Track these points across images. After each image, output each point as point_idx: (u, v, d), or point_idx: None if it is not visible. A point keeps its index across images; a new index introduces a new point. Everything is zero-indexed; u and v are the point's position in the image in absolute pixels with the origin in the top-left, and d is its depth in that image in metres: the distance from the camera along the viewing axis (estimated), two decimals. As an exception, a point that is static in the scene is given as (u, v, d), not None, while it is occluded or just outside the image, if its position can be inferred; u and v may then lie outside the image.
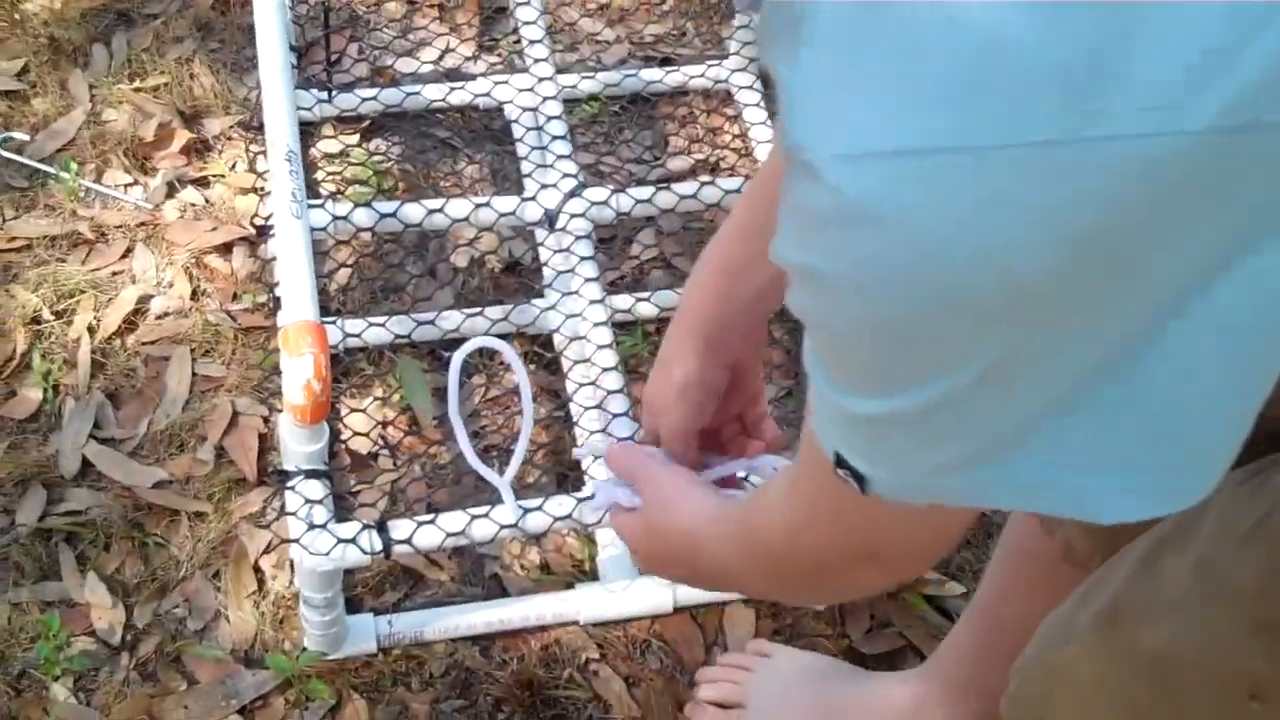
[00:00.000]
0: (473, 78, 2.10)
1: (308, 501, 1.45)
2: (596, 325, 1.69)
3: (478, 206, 1.73)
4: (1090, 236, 0.59)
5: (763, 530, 0.94)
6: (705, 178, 1.82)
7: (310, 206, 1.68)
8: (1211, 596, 0.89)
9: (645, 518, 1.11)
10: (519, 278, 1.94)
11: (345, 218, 1.71)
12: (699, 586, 1.18)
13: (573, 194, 1.74)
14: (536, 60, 1.91)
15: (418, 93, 2.04)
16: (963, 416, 0.67)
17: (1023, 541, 1.32)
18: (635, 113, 2.13)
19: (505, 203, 1.74)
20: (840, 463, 0.74)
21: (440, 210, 1.72)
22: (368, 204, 1.72)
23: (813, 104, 0.61)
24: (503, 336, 1.85)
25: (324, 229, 1.70)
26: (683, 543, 1.08)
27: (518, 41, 2.17)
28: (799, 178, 0.62)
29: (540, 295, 1.86)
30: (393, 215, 1.72)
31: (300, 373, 1.41)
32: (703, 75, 2.12)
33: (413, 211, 1.73)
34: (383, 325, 1.80)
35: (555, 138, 1.81)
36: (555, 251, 1.80)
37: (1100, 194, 0.58)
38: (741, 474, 1.19)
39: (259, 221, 1.81)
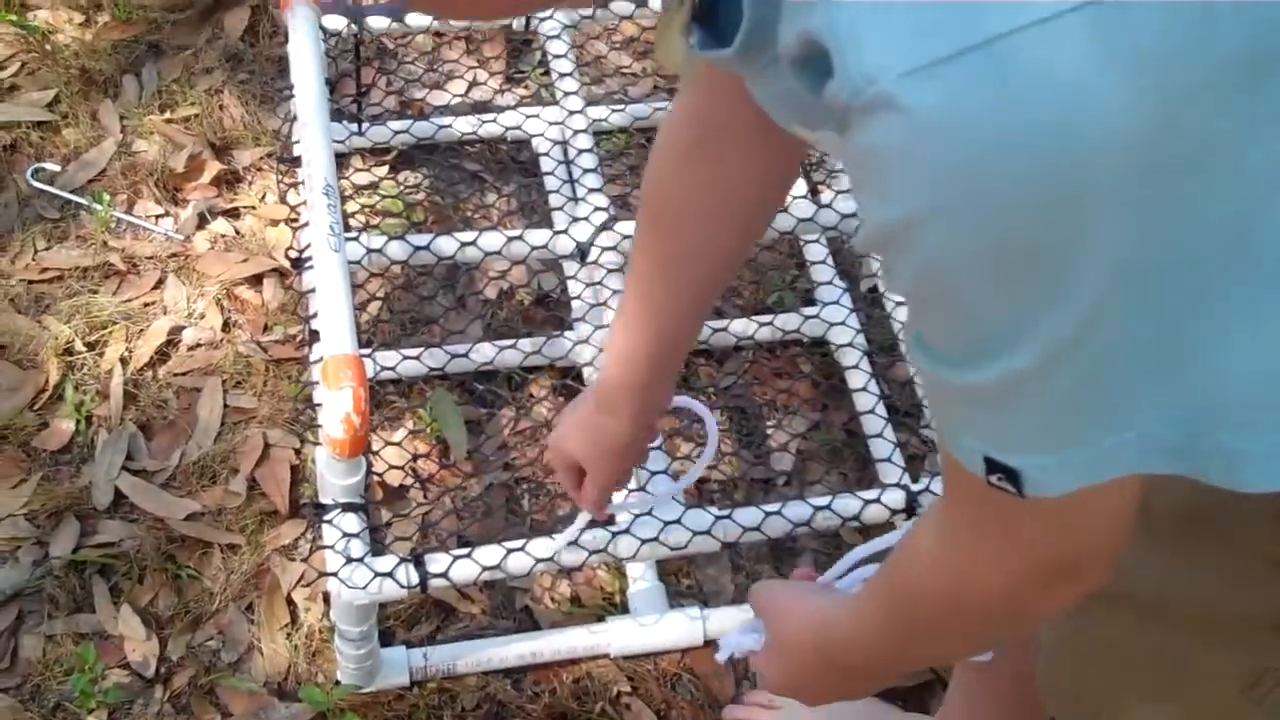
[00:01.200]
0: (501, 110, 2.11)
1: (345, 535, 1.46)
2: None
3: (510, 239, 1.74)
4: (1187, 83, 0.58)
5: (919, 588, 0.86)
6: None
7: (346, 239, 1.69)
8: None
9: (771, 641, 1.07)
10: (549, 310, 1.94)
11: (380, 250, 1.72)
12: (862, 689, 1.06)
13: (605, 226, 1.74)
14: (566, 93, 1.92)
15: (447, 125, 2.05)
16: (1097, 356, 0.65)
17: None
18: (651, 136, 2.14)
19: (537, 235, 1.75)
20: (991, 468, 0.71)
21: (473, 243, 1.73)
22: (401, 237, 1.73)
23: (865, 36, 0.60)
24: (533, 370, 1.86)
25: (358, 262, 1.71)
26: (814, 643, 1.02)
27: (546, 74, 2.18)
28: (866, 121, 0.61)
29: (570, 328, 1.87)
30: (426, 248, 1.73)
31: (340, 406, 1.41)
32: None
33: (446, 244, 1.73)
34: (416, 358, 1.80)
35: (586, 171, 1.82)
36: (587, 285, 1.81)
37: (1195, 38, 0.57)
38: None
39: (293, 254, 1.82)
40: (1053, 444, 0.69)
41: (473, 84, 2.20)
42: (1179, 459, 0.71)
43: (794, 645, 1.04)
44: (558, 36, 1.94)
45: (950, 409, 0.73)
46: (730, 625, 1.61)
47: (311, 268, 1.61)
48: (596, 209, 1.75)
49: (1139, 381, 0.68)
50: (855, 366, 1.83)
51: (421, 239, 1.74)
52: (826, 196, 1.90)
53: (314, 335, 1.60)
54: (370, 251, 1.72)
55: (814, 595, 1.05)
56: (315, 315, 1.57)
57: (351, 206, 2.02)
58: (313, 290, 1.64)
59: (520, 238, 1.75)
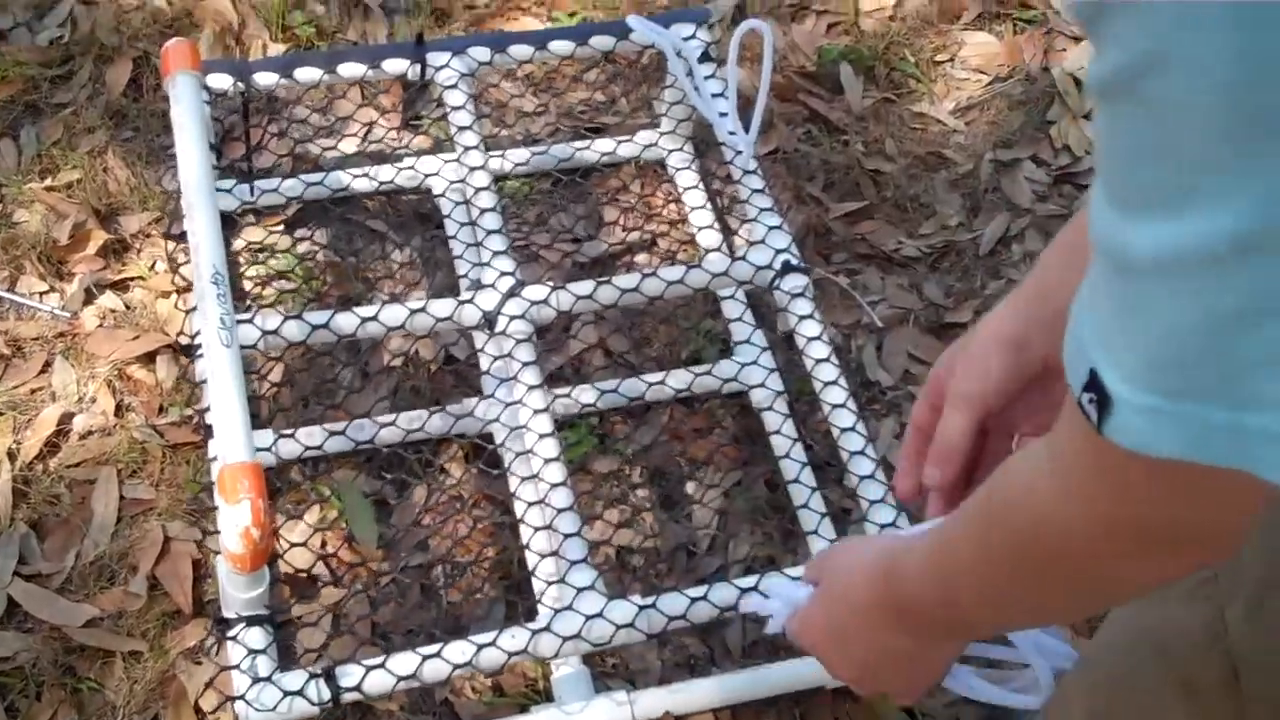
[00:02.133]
0: (399, 159, 2.03)
1: (251, 652, 1.38)
2: (542, 437, 1.62)
3: (413, 312, 1.67)
4: None
5: (1009, 505, 0.74)
6: (646, 269, 1.76)
7: (239, 321, 1.60)
8: None
9: (821, 591, 0.96)
10: (457, 373, 1.87)
11: (276, 332, 1.64)
12: (921, 655, 0.93)
13: (511, 294, 1.67)
14: (466, 148, 1.83)
15: (344, 182, 1.97)
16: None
17: None
18: (568, 186, 2.08)
19: (441, 306, 1.68)
20: (1090, 384, 0.59)
21: (374, 318, 1.66)
22: (298, 316, 1.65)
23: None
24: (445, 441, 1.80)
25: (253, 346, 1.63)
26: (868, 592, 0.90)
27: (445, 119, 2.10)
28: None
29: (479, 392, 1.81)
30: (325, 326, 1.65)
31: (238, 520, 1.34)
32: (633, 144, 2.07)
33: (345, 322, 1.65)
34: (320, 441, 1.73)
35: (490, 232, 1.74)
36: (495, 358, 1.74)
37: None
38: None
39: (184, 340, 1.73)
40: (1170, 385, 0.56)
41: (369, 135, 2.11)
42: None
43: (841, 577, 0.94)
44: (455, 86, 1.86)
45: (1091, 288, 0.60)
46: (659, 705, 1.56)
47: (203, 357, 1.53)
48: (502, 274, 1.68)
49: None
50: (778, 421, 1.78)
51: (320, 316, 1.66)
52: (740, 248, 1.84)
53: (209, 430, 1.52)
54: (266, 334, 1.63)
55: (880, 540, 0.95)
56: (209, 410, 1.49)
57: (248, 272, 1.94)
58: (205, 382, 1.56)
59: (424, 309, 1.67)
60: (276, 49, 2.18)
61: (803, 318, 1.69)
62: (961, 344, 0.99)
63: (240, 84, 1.82)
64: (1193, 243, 0.52)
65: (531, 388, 1.60)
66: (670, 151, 2.06)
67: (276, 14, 2.20)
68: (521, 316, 1.65)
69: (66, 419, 1.79)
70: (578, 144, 2.06)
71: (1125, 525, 0.65)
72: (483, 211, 1.77)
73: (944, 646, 0.94)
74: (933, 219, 2.12)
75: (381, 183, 1.98)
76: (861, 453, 1.61)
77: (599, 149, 2.06)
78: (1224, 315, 0.53)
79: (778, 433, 1.77)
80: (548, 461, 1.58)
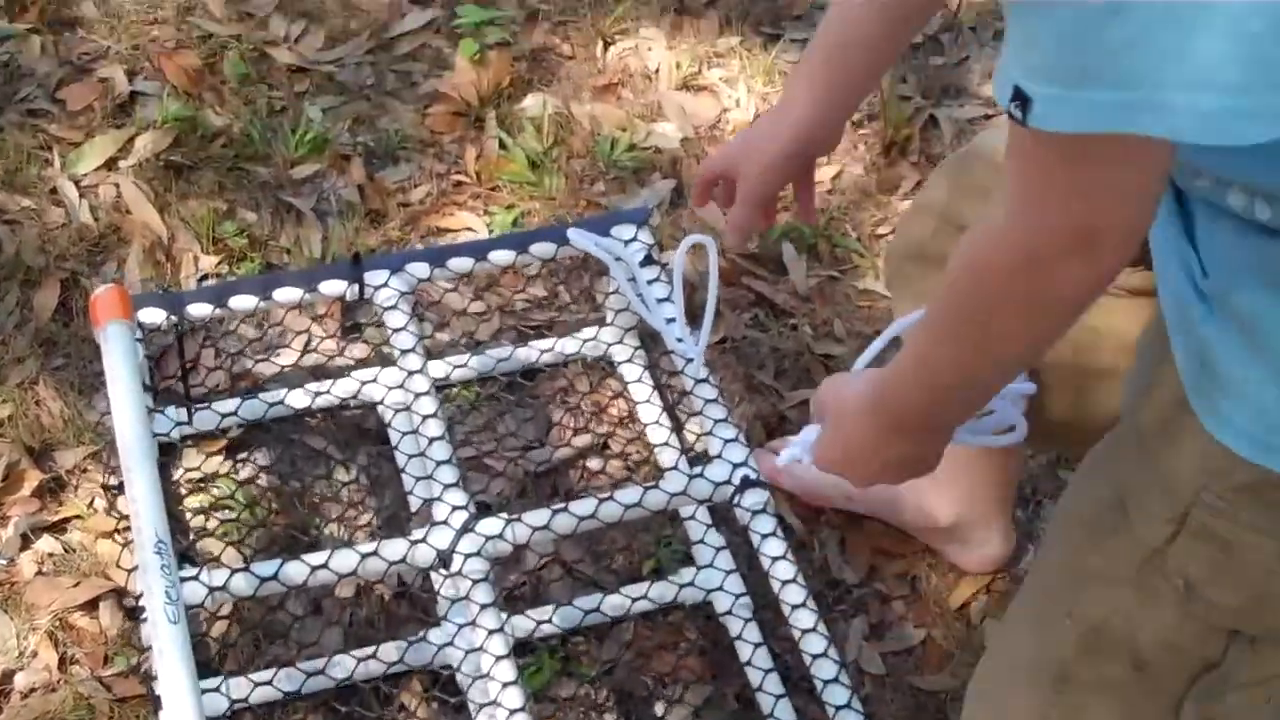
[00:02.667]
0: (339, 373, 1.99)
1: None
2: (499, 659, 1.55)
3: (365, 557, 1.61)
4: None
5: (969, 264, 0.98)
6: (602, 493, 1.71)
7: (183, 580, 1.54)
8: None
9: (828, 422, 1.21)
10: (411, 603, 1.82)
11: (223, 587, 1.58)
12: (914, 450, 1.17)
13: (465, 529, 1.62)
14: (410, 372, 1.78)
15: (282, 400, 1.92)
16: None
17: None
18: (513, 389, 2.03)
19: (393, 548, 1.62)
20: (1015, 96, 0.81)
21: (325, 565, 1.60)
22: (245, 568, 1.59)
23: None
24: (399, 676, 1.74)
25: (201, 605, 1.56)
26: (868, 403, 1.14)
27: (382, 325, 2.06)
28: None
29: (434, 616, 1.75)
30: (274, 578, 1.59)
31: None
32: (577, 340, 2.03)
33: (295, 571, 1.59)
34: (269, 682, 1.66)
35: (439, 463, 1.67)
36: (452, 601, 1.68)
37: None
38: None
39: (129, 601, 1.66)
40: (1065, 79, 0.79)
41: (307, 347, 2.05)
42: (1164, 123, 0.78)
43: (847, 415, 1.17)
44: (394, 306, 1.81)
45: (1010, 39, 0.82)
46: None
47: (147, 620, 1.47)
48: (455, 508, 1.63)
49: (1156, 41, 0.76)
50: (739, 626, 1.74)
51: (268, 567, 1.59)
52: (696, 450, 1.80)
53: (157, 701, 1.44)
54: (213, 590, 1.57)
55: (862, 375, 1.19)
56: (157, 678, 1.43)
57: (189, 502, 1.88)
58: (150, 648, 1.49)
59: (376, 553, 1.61)
60: (208, 261, 2.13)
61: (765, 535, 1.65)
62: (741, 146, 1.38)
63: (173, 317, 1.77)
64: None
65: (491, 632, 1.55)
66: (613, 346, 2.02)
67: (207, 226, 2.16)
68: (477, 554, 1.60)
69: (7, 677, 1.72)
70: (519, 345, 2.02)
71: (1054, 228, 0.89)
72: (430, 440, 1.71)
73: (937, 440, 1.17)
74: (886, 402, 2.09)
75: (319, 396, 1.93)
76: (824, 655, 1.58)
77: (541, 348, 2.02)
78: (1089, 14, 0.76)
79: (739, 638, 1.73)
80: (506, 686, 1.52)
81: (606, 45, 2.52)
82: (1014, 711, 1.22)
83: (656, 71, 2.48)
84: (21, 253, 2.12)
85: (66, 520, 1.87)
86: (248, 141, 2.29)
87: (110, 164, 2.25)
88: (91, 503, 1.88)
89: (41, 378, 2.00)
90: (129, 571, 1.70)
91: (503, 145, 2.33)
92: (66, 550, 1.84)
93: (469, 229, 2.23)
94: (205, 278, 2.12)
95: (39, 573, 1.81)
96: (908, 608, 1.90)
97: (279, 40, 2.46)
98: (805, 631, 1.60)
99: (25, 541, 1.84)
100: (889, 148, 2.38)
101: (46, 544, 1.84)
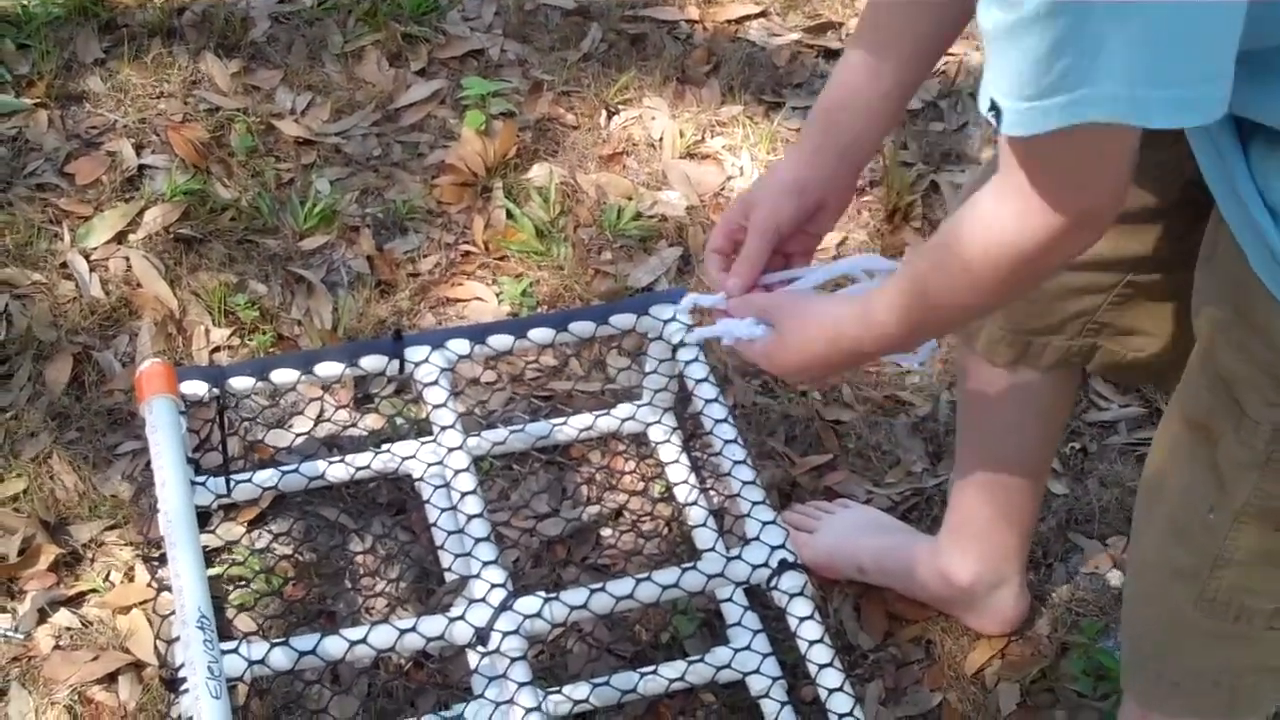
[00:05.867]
0: (368, 445, 1.99)
1: None
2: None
3: (403, 633, 1.61)
4: None
5: (967, 239, 1.13)
6: (640, 574, 1.71)
7: (224, 652, 1.53)
8: None
9: (782, 335, 1.35)
10: (431, 671, 1.81)
11: (263, 661, 1.57)
12: (841, 365, 1.38)
13: (503, 607, 1.62)
14: (449, 448, 1.77)
15: (321, 475, 1.92)
16: (1052, 36, 0.92)
17: (969, 408, 1.74)
18: (548, 465, 2.04)
19: (431, 624, 1.62)
20: (992, 108, 0.99)
21: (363, 640, 1.59)
22: (284, 642, 1.58)
23: None
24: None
25: (240, 678, 1.55)
26: (828, 334, 1.31)
27: (398, 393, 2.07)
28: None
29: (458, 688, 1.74)
30: (312, 653, 1.58)
31: None
32: (619, 425, 2.04)
33: (334, 646, 1.59)
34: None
35: (477, 540, 1.67)
36: (489, 679, 1.68)
37: None
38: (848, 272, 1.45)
39: (166, 673, 1.65)
40: (1026, 93, 0.96)
41: (320, 417, 2.06)
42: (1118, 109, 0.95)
43: (806, 335, 1.33)
44: (435, 382, 1.81)
45: (987, 62, 0.99)
46: None
47: (187, 693, 1.47)
48: (493, 586, 1.63)
49: (1096, 50, 0.92)
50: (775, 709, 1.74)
51: (306, 641, 1.59)
52: (735, 547, 1.80)
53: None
54: (252, 663, 1.56)
55: (823, 297, 1.36)
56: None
57: (222, 571, 1.87)
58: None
59: (414, 629, 1.61)
60: (220, 334, 2.14)
61: (803, 619, 1.65)
62: (753, 189, 1.42)
63: (215, 390, 1.78)
64: (1016, 16, 0.93)
65: (528, 710, 1.54)
66: (651, 426, 2.04)
67: (218, 299, 2.16)
68: (515, 632, 1.60)
69: (27, 755, 1.70)
70: (555, 420, 2.03)
71: (1048, 220, 1.06)
72: (469, 518, 1.70)
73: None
74: (897, 467, 2.10)
75: (359, 470, 1.93)
76: (849, 714, 1.58)
77: (579, 425, 2.03)
78: (1040, 52, 0.93)
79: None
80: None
81: (610, 115, 2.54)
82: (1180, 612, 1.32)
83: (660, 140, 2.51)
84: (33, 327, 2.12)
85: (83, 594, 1.86)
86: (256, 214, 2.30)
87: (120, 237, 2.25)
88: (108, 576, 1.87)
89: (55, 451, 1.99)
90: (169, 643, 1.69)
91: (510, 215, 2.35)
92: (84, 624, 1.83)
93: (478, 298, 2.24)
94: (217, 350, 2.13)
95: (56, 647, 1.80)
96: (923, 672, 1.90)
97: (285, 113, 2.48)
98: (841, 717, 1.60)
99: (42, 616, 1.83)
100: (892, 214, 2.40)
101: (64, 618, 1.83)
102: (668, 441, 2.03)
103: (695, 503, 1.96)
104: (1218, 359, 1.22)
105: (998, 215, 1.09)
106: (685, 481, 1.99)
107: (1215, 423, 1.23)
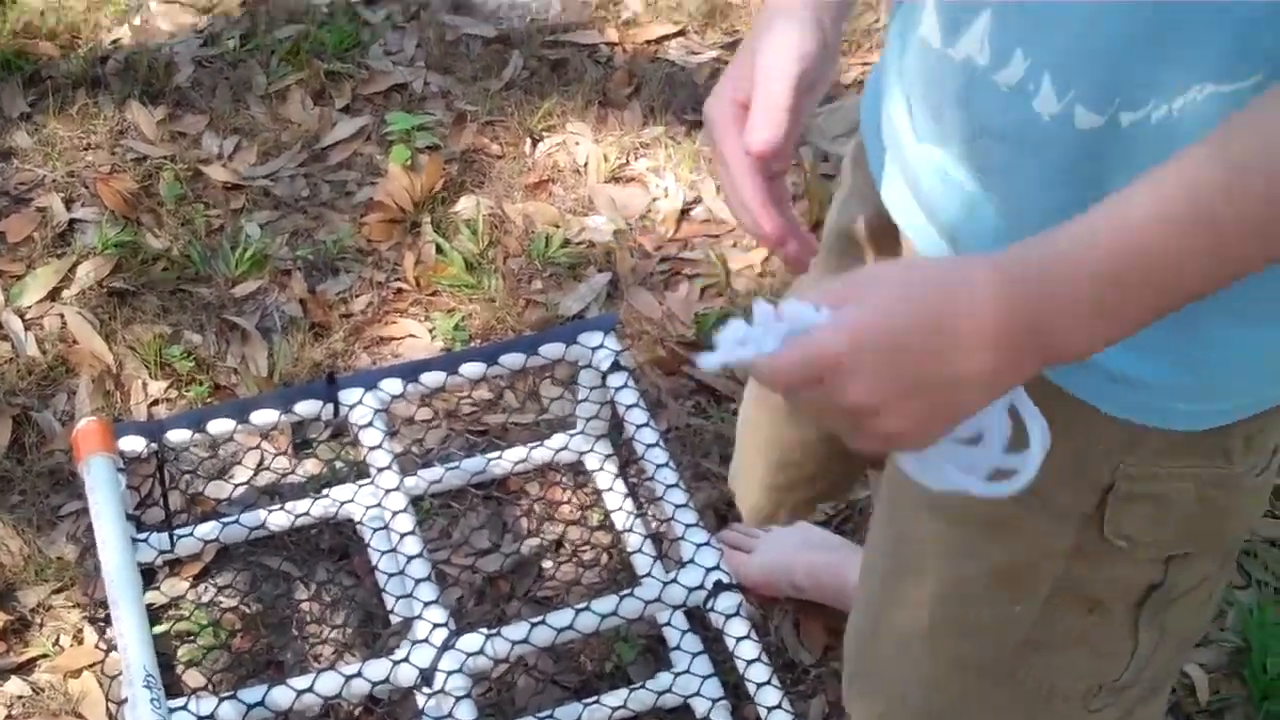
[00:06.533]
0: (307, 492, 2.02)
1: None
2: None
3: (349, 679, 1.64)
4: None
5: None
6: (580, 604, 1.75)
7: (172, 711, 1.57)
8: None
9: (877, 306, 0.83)
10: (388, 711, 1.85)
11: (211, 716, 1.60)
12: (940, 393, 0.84)
13: (446, 647, 1.66)
14: (386, 490, 1.81)
15: (263, 524, 1.95)
16: None
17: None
18: (485, 500, 2.08)
19: (376, 668, 1.65)
20: None
21: (310, 689, 1.63)
22: (233, 695, 1.62)
23: None
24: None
25: (191, 735, 1.59)
26: (998, 257, 0.82)
27: (336, 436, 2.11)
28: None
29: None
30: (260, 704, 1.62)
31: None
32: (554, 455, 2.08)
33: (281, 696, 1.63)
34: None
35: (417, 580, 1.71)
36: (436, 719, 1.72)
37: None
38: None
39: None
40: None
41: (261, 465, 2.09)
42: None
43: (926, 285, 0.83)
44: (370, 424, 1.84)
45: None
46: None
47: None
48: (435, 626, 1.67)
49: None
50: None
51: (254, 694, 1.63)
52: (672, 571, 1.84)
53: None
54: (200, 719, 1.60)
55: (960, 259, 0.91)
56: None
57: (168, 628, 1.90)
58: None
59: (359, 674, 1.65)
60: (157, 387, 2.16)
61: (740, 639, 1.70)
62: (738, 67, 1.02)
63: (153, 444, 1.81)
64: None
65: (475, 749, 1.58)
66: (585, 454, 2.08)
67: (153, 351, 2.19)
68: (459, 670, 1.64)
69: (-15, 824, 1.73)
70: (491, 455, 2.07)
71: None
72: (409, 558, 1.74)
73: (1026, 366, 0.84)
74: (830, 480, 2.14)
75: (299, 517, 1.96)
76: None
77: (513, 458, 2.07)
78: None
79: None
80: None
81: (535, 142, 2.57)
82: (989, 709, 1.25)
83: (585, 165, 2.54)
84: (-28, 392, 2.14)
85: (33, 660, 1.89)
86: (188, 262, 2.32)
87: (54, 294, 2.28)
88: (57, 640, 1.90)
89: (-1, 517, 2.02)
90: (119, 704, 1.72)
91: (440, 250, 2.38)
92: (35, 691, 1.85)
93: (412, 335, 2.27)
94: (155, 403, 2.15)
95: (8, 716, 1.83)
96: (865, 683, 1.95)
97: (213, 158, 2.50)
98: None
99: (-7, 684, 1.85)
100: (815, 227, 2.45)
101: (15, 686, 1.85)
102: (602, 469, 2.07)
103: (631, 529, 2.00)
104: None
105: None
106: (621, 508, 2.03)
107: (1008, 517, 1.08)
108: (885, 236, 1.18)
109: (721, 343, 0.85)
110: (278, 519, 1.97)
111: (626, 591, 1.75)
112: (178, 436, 1.83)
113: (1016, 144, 0.95)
